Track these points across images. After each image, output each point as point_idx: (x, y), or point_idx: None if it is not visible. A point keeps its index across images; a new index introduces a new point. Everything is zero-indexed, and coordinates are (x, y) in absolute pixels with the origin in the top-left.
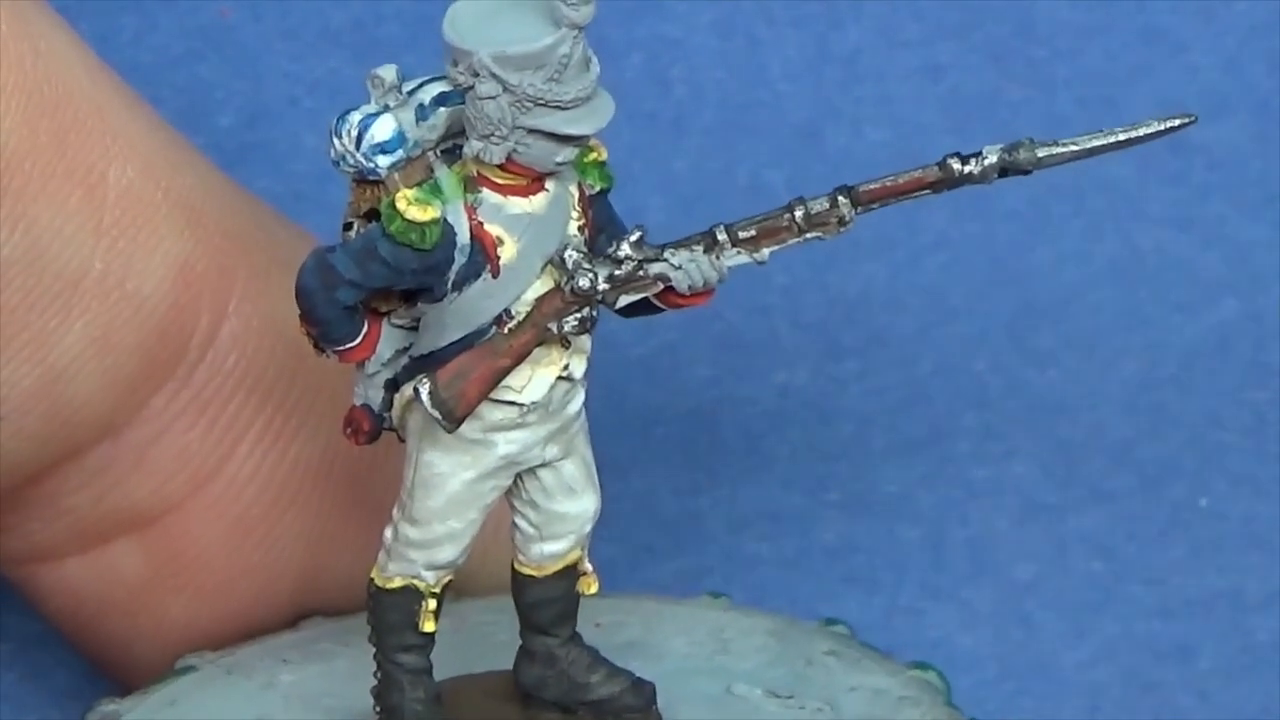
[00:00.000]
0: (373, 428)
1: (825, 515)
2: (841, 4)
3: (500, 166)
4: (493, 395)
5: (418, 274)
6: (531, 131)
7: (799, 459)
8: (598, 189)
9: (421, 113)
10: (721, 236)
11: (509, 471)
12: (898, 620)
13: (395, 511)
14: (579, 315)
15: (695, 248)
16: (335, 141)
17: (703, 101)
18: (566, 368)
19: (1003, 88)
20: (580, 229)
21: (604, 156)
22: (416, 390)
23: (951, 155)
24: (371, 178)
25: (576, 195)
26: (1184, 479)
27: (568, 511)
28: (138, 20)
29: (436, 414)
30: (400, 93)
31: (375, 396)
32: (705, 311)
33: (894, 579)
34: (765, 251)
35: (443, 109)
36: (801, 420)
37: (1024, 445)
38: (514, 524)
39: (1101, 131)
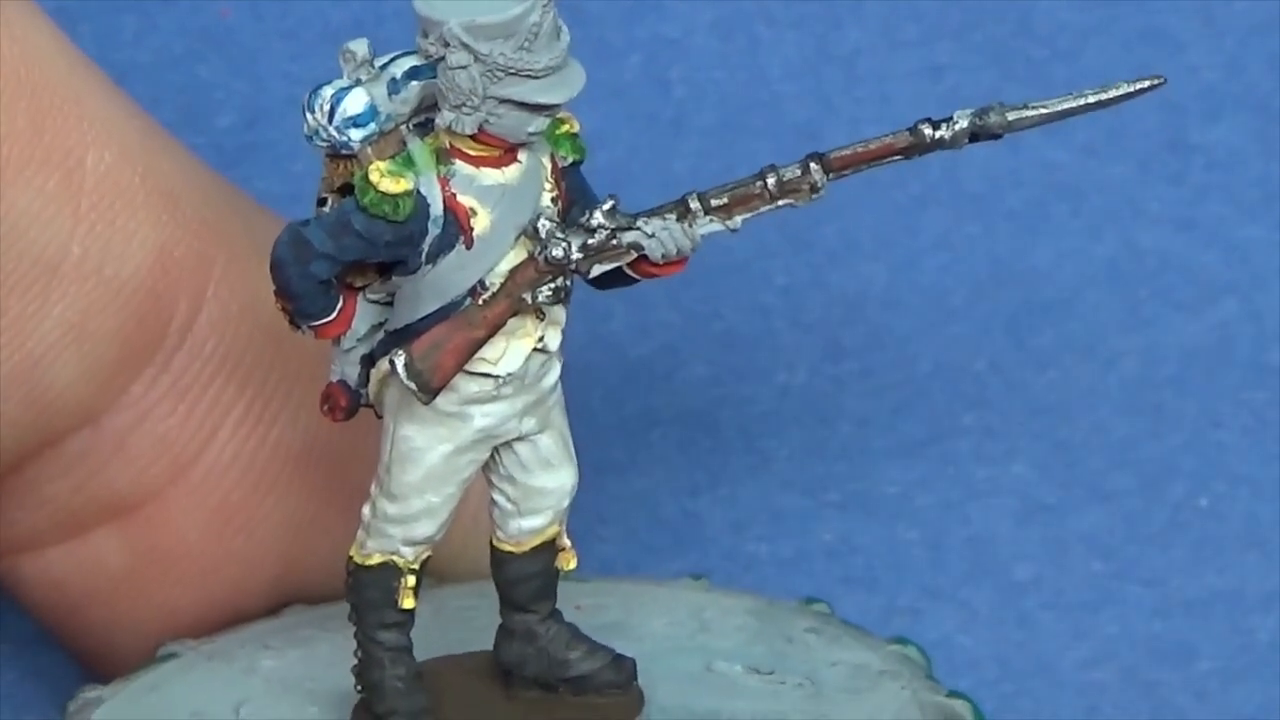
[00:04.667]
0: (350, 404)
1: (825, 515)
2: (841, 4)
3: (472, 137)
4: (468, 367)
5: (391, 246)
6: (503, 101)
7: (799, 459)
8: (570, 161)
9: (393, 86)
10: (694, 204)
11: (486, 445)
12: (897, 620)
13: (373, 488)
14: (553, 285)
15: (668, 216)
16: (308, 116)
17: (703, 101)
18: (542, 339)
19: (1003, 88)
20: (553, 200)
21: (576, 128)
22: (392, 362)
23: (922, 120)
24: (344, 152)
25: (549, 167)
26: (1184, 479)
27: (545, 486)
28: (138, 20)
29: (412, 385)
30: (372, 67)
31: (351, 372)
32: (705, 311)
33: (894, 579)
34: (738, 219)
35: (415, 83)
36: (801, 420)
37: (1024, 445)
38: (491, 499)
39: (1071, 94)
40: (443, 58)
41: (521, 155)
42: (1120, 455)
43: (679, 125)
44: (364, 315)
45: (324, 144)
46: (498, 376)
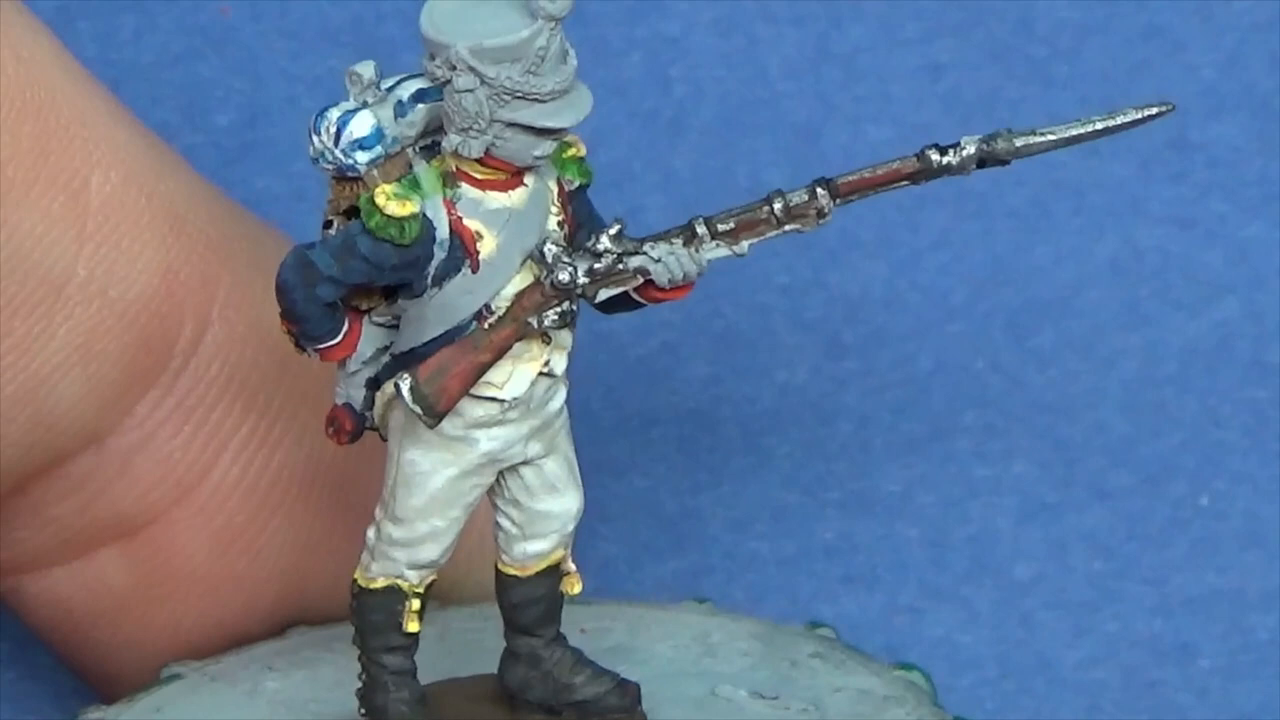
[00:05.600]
0: (355, 426)
1: (825, 514)
2: (841, 3)
3: (479, 161)
4: (474, 391)
5: (397, 269)
6: (510, 125)
7: (799, 458)
8: (577, 184)
9: (400, 109)
10: (700, 229)
11: (491, 469)
12: (898, 619)
13: (378, 511)
14: (559, 309)
15: (674, 241)
16: (314, 138)
17: (702, 101)
18: (547, 363)
19: (1003, 87)
20: (560, 224)
21: (583, 152)
22: (398, 386)
23: (930, 146)
24: (350, 174)
25: (556, 190)
26: (1184, 478)
27: (550, 510)
28: (138, 20)
29: (418, 409)
30: (379, 89)
31: (356, 395)
32: (705, 310)
33: (894, 578)
34: (744, 244)
35: (421, 105)
36: (801, 419)
37: (1024, 444)
38: (496, 523)
39: (1079, 121)
40: (449, 81)
41: (528, 179)
42: (1120, 454)
43: (679, 124)
44: (369, 338)
45: (330, 166)
46: (503, 401)
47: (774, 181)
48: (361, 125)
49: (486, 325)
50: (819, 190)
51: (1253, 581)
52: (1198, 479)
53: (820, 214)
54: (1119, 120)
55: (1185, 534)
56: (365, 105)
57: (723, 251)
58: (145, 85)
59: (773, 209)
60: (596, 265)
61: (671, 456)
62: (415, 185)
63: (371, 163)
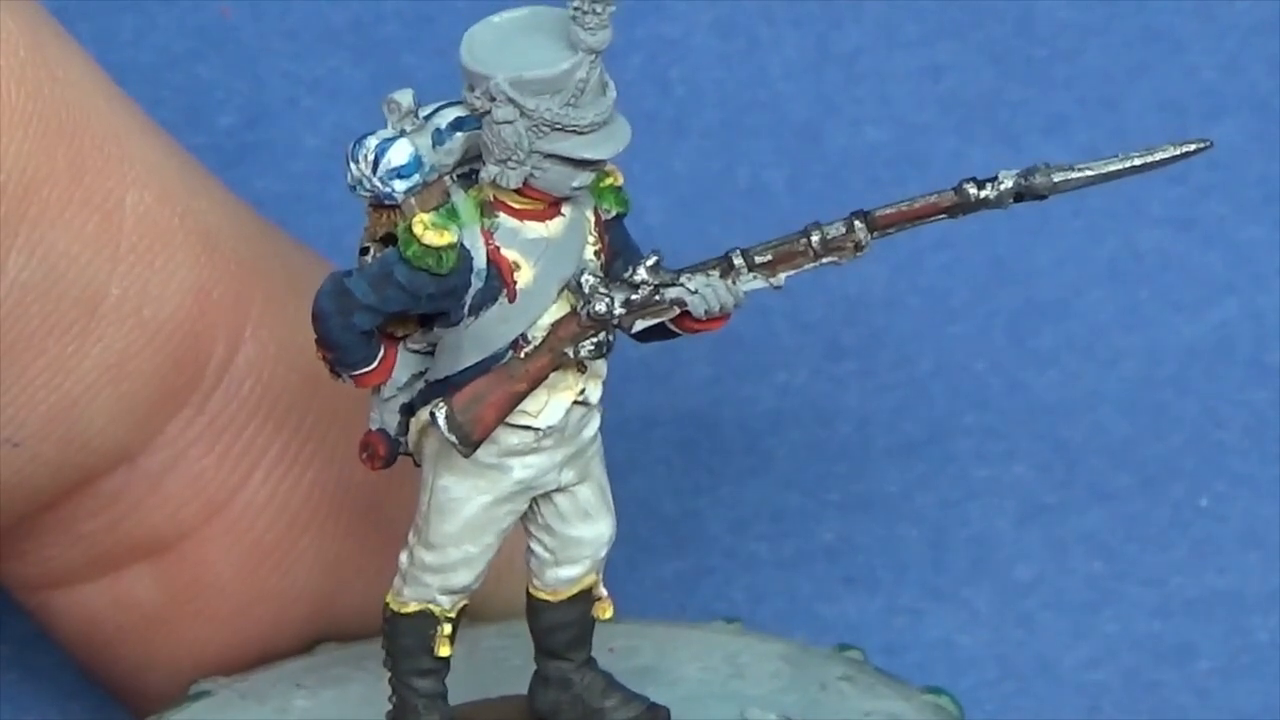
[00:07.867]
0: (388, 452)
1: (825, 515)
2: (841, 4)
3: (517, 191)
4: (509, 420)
5: (434, 298)
6: (548, 156)
7: (799, 459)
8: (614, 214)
9: (438, 137)
10: (738, 261)
11: (525, 496)
12: (898, 620)
13: (411, 536)
14: (595, 340)
15: (711, 272)
16: (352, 166)
17: (703, 101)
18: (582, 392)
19: (1003, 88)
20: (596, 254)
21: (620, 181)
22: (433, 414)
23: (967, 180)
24: (388, 202)
25: (593, 220)
26: (1184, 479)
27: (583, 536)
28: (138, 20)
29: (453, 438)
30: (417, 117)
31: (391, 421)
32: None
33: (894, 579)
34: (781, 276)
35: (459, 134)
36: (801, 420)
37: (1024, 445)
38: (529, 549)
39: (1118, 157)
40: (488, 111)
41: (565, 208)
42: (1120, 455)
43: (679, 125)
44: (404, 364)
45: (367, 194)
46: (538, 429)
47: (774, 182)
48: (399, 154)
49: (523, 354)
50: (857, 223)
51: (1253, 583)
52: (1198, 480)
53: (858, 247)
54: (1157, 156)
55: (1185, 535)
56: (403, 133)
57: (759, 283)
58: (145, 86)
59: (810, 241)
60: (633, 296)
61: (671, 458)
62: (453, 214)
63: (409, 191)
